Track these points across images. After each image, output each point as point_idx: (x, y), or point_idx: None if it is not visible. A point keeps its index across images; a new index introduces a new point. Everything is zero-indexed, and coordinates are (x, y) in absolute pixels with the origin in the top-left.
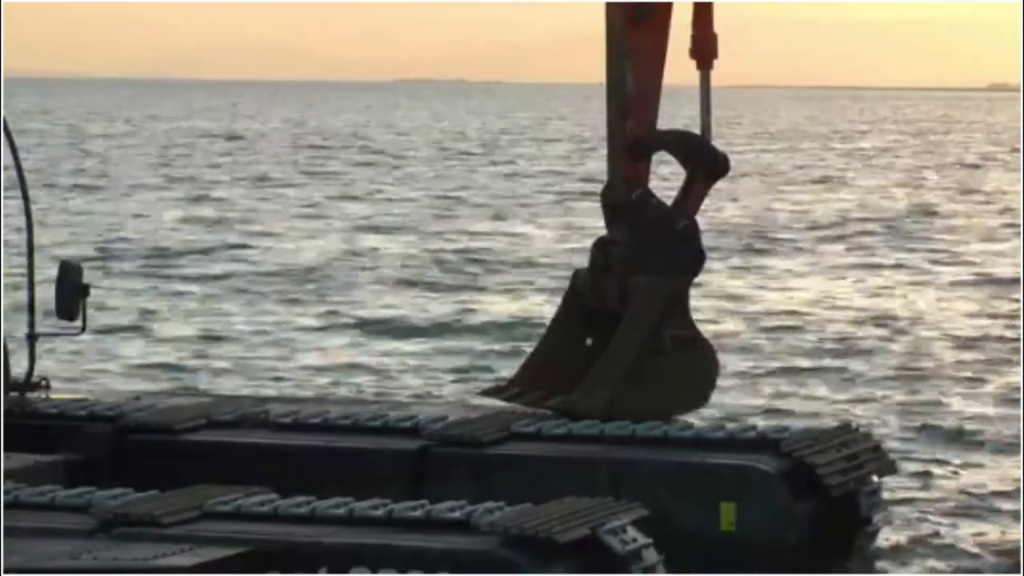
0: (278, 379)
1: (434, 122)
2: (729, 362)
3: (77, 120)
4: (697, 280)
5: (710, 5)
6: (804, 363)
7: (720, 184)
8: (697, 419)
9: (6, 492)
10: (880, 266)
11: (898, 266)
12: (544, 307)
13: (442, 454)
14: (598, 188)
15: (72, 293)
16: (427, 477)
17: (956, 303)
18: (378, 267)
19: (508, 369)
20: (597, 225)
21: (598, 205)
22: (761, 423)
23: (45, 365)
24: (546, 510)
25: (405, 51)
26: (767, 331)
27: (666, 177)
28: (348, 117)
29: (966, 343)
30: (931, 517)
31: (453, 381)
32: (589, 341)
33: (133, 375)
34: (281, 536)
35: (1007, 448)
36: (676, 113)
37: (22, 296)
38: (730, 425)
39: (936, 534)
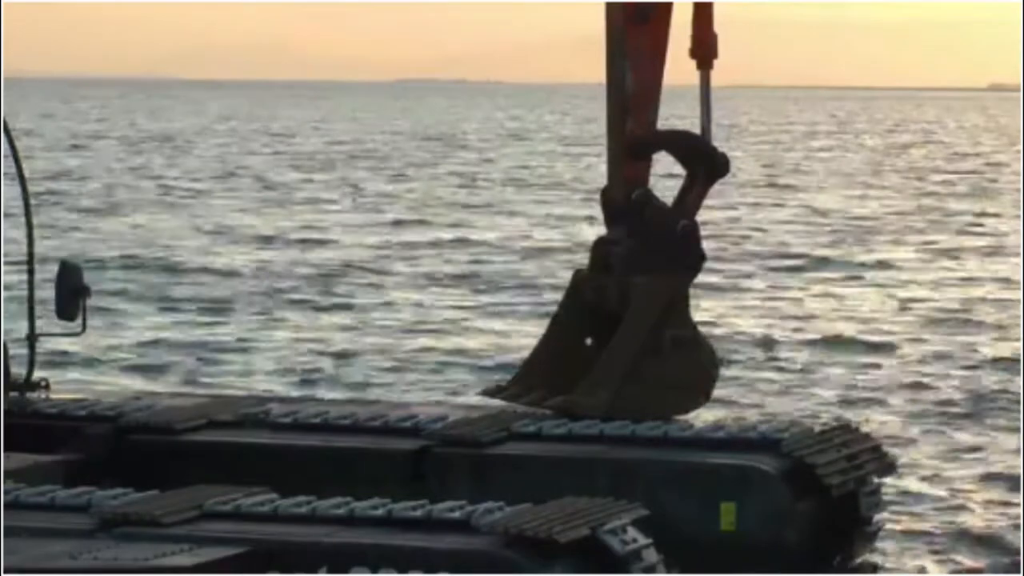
0: None
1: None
2: None
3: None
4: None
5: (710, 5)
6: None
7: None
8: (697, 419)
9: (6, 492)
10: None
11: None
12: None
13: (442, 454)
14: None
15: (72, 294)
16: (427, 477)
17: None
18: None
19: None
20: None
21: None
22: (761, 423)
23: None
24: (546, 510)
25: (405, 51)
26: None
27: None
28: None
29: None
30: (931, 516)
31: None
32: (589, 341)
33: None
34: (281, 536)
35: (1006, 446)
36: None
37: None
38: (730, 425)
39: (936, 534)
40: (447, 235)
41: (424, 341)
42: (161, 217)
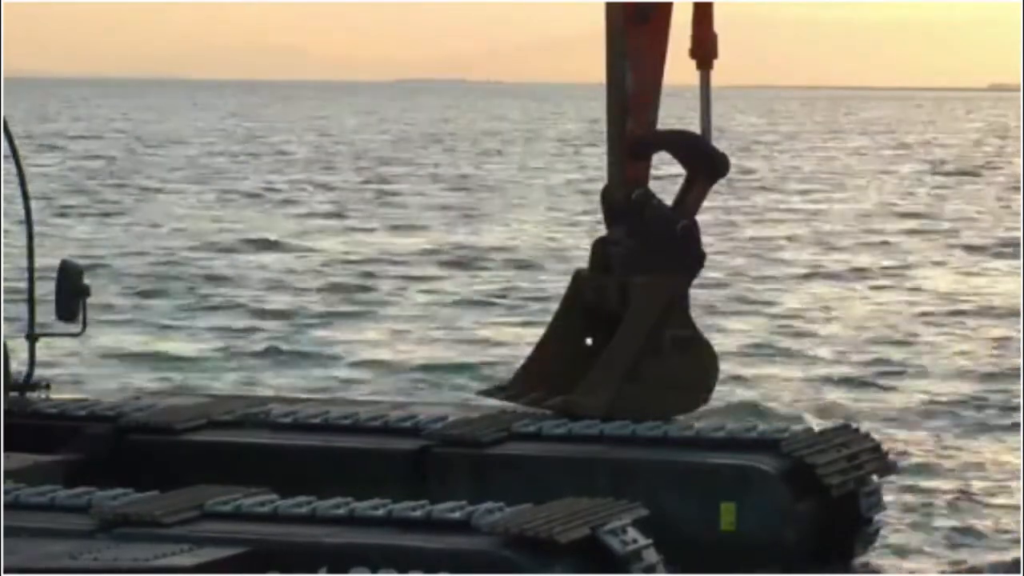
0: None
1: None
2: None
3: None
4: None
5: (710, 5)
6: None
7: None
8: (697, 419)
9: (6, 492)
10: None
11: None
12: None
13: (442, 454)
14: None
15: (72, 294)
16: (427, 477)
17: None
18: None
19: None
20: None
21: None
22: (761, 423)
23: None
24: (546, 510)
25: (405, 51)
26: None
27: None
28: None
29: None
30: (931, 516)
31: None
32: (589, 341)
33: None
34: (281, 536)
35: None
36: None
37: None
38: (730, 425)
39: (936, 533)
40: None
41: None
42: None
